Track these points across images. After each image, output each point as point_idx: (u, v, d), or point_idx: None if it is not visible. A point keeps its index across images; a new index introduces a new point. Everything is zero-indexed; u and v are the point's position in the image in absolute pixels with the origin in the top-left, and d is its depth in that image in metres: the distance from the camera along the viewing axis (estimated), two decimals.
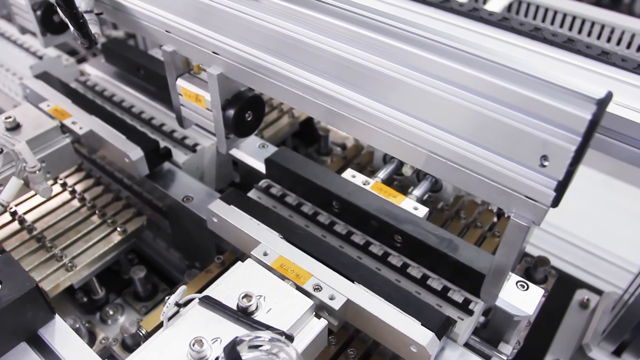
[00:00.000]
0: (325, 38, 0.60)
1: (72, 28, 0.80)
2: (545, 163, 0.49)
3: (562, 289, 1.00)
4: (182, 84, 0.80)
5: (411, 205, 0.81)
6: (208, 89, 0.76)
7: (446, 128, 0.55)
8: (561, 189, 0.49)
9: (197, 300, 0.61)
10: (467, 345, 0.72)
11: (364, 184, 0.85)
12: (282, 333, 0.56)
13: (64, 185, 1.00)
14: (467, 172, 0.55)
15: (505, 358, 0.76)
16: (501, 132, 0.50)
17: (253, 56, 0.68)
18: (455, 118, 0.54)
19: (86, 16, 0.79)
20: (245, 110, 0.77)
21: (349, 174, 0.87)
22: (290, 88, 0.67)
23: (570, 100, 0.46)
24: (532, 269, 0.85)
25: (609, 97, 0.46)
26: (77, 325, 0.88)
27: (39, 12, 0.98)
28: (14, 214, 0.94)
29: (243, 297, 0.60)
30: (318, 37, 0.61)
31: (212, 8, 0.69)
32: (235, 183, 1.10)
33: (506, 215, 0.91)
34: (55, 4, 0.81)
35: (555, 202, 0.51)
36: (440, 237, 0.73)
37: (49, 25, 1.00)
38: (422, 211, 0.80)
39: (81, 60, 1.32)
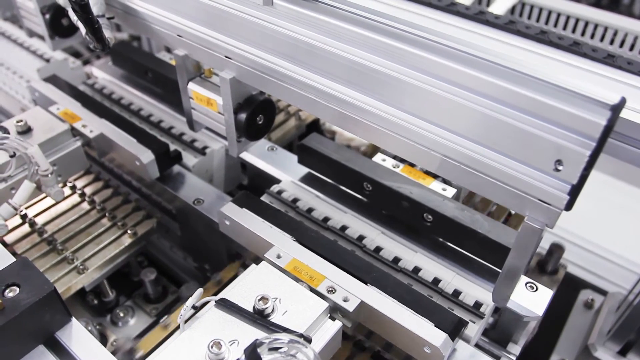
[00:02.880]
0: (338, 42, 0.61)
1: (84, 32, 0.81)
2: (560, 167, 0.50)
3: (566, 290, 1.01)
4: (193, 87, 0.81)
5: (440, 186, 0.85)
6: (220, 92, 0.77)
7: (460, 132, 0.56)
8: (575, 192, 0.50)
9: (213, 302, 0.62)
10: (476, 345, 0.73)
11: (394, 167, 0.88)
12: (300, 335, 0.56)
13: (73, 188, 1.01)
14: (481, 175, 0.56)
15: (514, 358, 0.77)
16: (516, 136, 0.51)
17: (265, 60, 0.69)
18: (468, 122, 0.54)
19: (99, 20, 0.80)
20: (256, 113, 0.78)
21: (379, 157, 0.90)
22: (303, 92, 0.67)
23: (585, 106, 0.47)
24: (547, 254, 0.86)
25: (622, 102, 0.48)
26: (89, 328, 0.89)
27: (47, 16, 0.99)
28: (24, 216, 0.94)
29: (259, 300, 0.61)
30: (331, 41, 0.62)
31: (224, 12, 0.70)
32: (243, 185, 1.11)
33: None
34: (69, 9, 0.83)
35: (569, 206, 0.52)
36: (468, 216, 0.77)
37: (58, 29, 1.01)
38: (450, 192, 0.84)
39: (85, 63, 1.32)
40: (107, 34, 0.82)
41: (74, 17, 0.82)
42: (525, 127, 0.50)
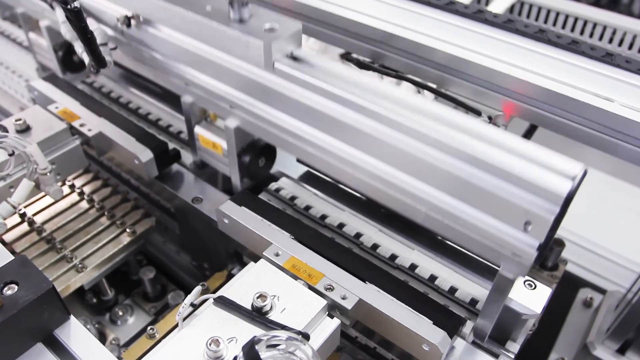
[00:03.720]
0: (332, 103, 0.67)
1: (87, 60, 0.84)
2: (529, 228, 0.55)
3: (565, 288, 1.01)
4: (200, 131, 0.88)
5: None
6: (224, 137, 0.82)
7: (442, 190, 0.61)
8: (542, 249, 0.56)
9: (211, 300, 0.62)
10: (474, 343, 0.73)
11: None
12: (298, 332, 0.56)
13: (72, 186, 1.01)
14: (461, 230, 0.61)
15: (512, 356, 0.77)
16: (491, 198, 0.56)
17: (266, 113, 0.74)
18: (449, 182, 0.60)
19: (100, 48, 0.83)
20: (258, 157, 0.84)
21: None
22: (301, 144, 0.72)
23: (549, 179, 0.52)
24: (548, 250, 0.86)
25: (583, 174, 0.52)
26: (88, 326, 0.89)
27: (60, 53, 1.09)
28: (23, 215, 0.95)
29: (258, 297, 0.61)
30: (327, 102, 0.67)
31: (230, 69, 0.74)
32: None
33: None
34: (75, 43, 0.86)
35: (537, 261, 0.57)
36: None
37: (69, 65, 1.12)
38: None
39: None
40: (107, 58, 0.84)
41: (79, 49, 0.88)
42: (498, 192, 0.55)
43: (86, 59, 0.86)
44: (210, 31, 0.74)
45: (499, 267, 0.62)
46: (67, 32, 0.86)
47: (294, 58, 0.72)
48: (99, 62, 0.82)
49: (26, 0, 1.07)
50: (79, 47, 0.87)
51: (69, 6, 0.71)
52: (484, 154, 0.56)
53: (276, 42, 0.69)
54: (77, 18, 0.74)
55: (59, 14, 0.87)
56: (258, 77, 0.72)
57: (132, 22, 0.86)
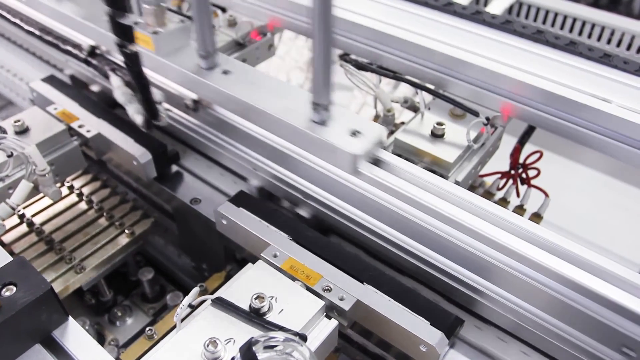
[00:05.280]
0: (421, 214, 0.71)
1: (131, 112, 0.84)
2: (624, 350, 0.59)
3: None
4: None
5: None
6: None
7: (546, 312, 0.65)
8: None
9: (209, 301, 0.62)
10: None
11: None
12: (295, 333, 0.57)
13: (71, 187, 1.01)
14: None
15: None
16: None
17: (348, 211, 0.79)
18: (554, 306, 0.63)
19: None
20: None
21: None
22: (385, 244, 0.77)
23: None
24: None
25: None
26: (86, 327, 0.89)
27: None
28: (22, 216, 0.95)
29: (255, 298, 0.61)
30: (419, 214, 0.71)
31: (303, 164, 0.80)
32: None
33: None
34: (118, 91, 0.86)
35: None
36: None
37: None
38: None
39: None
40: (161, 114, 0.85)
41: (120, 97, 0.88)
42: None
43: (138, 119, 0.85)
44: (291, 131, 0.75)
45: None
46: (122, 95, 0.87)
47: (378, 161, 0.73)
48: (153, 113, 0.81)
49: (77, 65, 1.09)
50: (132, 109, 0.86)
51: (126, 50, 0.71)
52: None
53: (361, 147, 0.70)
54: (133, 62, 0.74)
55: (114, 80, 0.89)
56: (341, 179, 0.75)
57: (199, 106, 0.88)
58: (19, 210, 0.95)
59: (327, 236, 0.80)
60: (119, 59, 0.93)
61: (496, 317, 0.69)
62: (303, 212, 0.84)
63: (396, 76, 0.93)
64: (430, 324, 0.63)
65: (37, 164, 0.79)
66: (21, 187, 0.79)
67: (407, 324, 0.63)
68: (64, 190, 1.00)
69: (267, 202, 0.85)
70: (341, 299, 0.65)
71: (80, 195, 1.00)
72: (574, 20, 1.30)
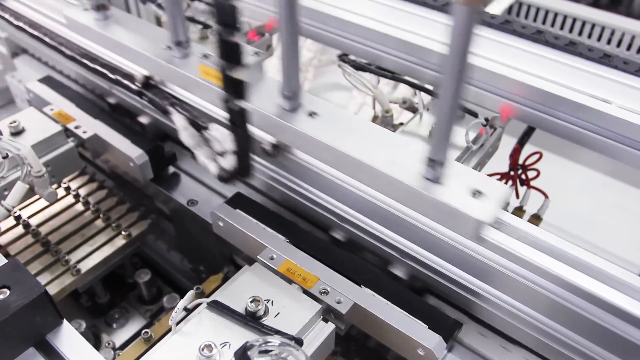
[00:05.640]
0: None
1: (213, 169, 0.72)
2: None
3: None
4: None
5: None
6: None
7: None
8: None
9: (205, 304, 0.62)
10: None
11: None
12: (291, 337, 0.56)
13: (67, 189, 1.00)
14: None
15: None
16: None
17: (467, 281, 0.70)
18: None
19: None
20: None
21: None
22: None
23: None
24: None
25: None
26: (83, 330, 0.88)
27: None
28: (18, 218, 0.94)
29: (251, 302, 0.61)
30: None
31: (409, 224, 0.70)
32: None
33: None
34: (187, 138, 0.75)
35: None
36: None
37: None
38: None
39: None
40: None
41: (188, 140, 0.76)
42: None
43: (212, 168, 0.72)
44: (398, 188, 0.64)
45: None
46: (189, 138, 0.76)
47: (500, 224, 0.64)
48: (246, 171, 0.71)
49: (125, 95, 0.98)
50: (202, 154, 0.74)
51: (232, 106, 0.60)
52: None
53: (486, 212, 0.59)
54: (240, 120, 0.63)
55: (178, 120, 0.78)
56: (459, 245, 0.66)
57: (279, 151, 0.76)
58: (16, 212, 0.94)
59: (421, 296, 0.73)
60: (176, 91, 0.86)
61: (496, 321, 0.68)
62: (397, 271, 0.74)
63: (395, 77, 0.92)
64: (428, 328, 0.63)
65: (33, 165, 0.79)
66: (16, 188, 0.79)
67: (405, 328, 0.62)
68: (61, 192, 0.99)
69: (264, 204, 0.84)
70: (338, 302, 0.65)
71: (77, 196, 0.99)
72: (574, 20, 1.29)
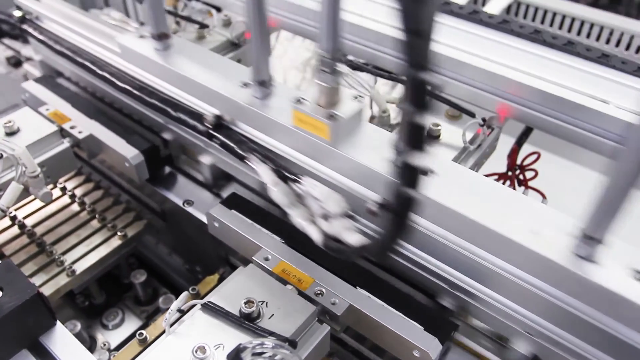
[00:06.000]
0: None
1: (300, 221, 0.65)
2: None
3: None
4: None
5: None
6: None
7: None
8: None
9: (199, 306, 0.61)
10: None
11: None
12: (285, 339, 0.55)
13: (63, 189, 1.00)
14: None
15: None
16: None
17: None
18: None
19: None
20: None
21: None
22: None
23: None
24: None
25: None
26: (78, 330, 0.88)
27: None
28: (13, 218, 0.94)
29: (245, 303, 0.60)
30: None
31: (541, 298, 0.61)
32: None
33: None
34: None
35: None
36: None
37: None
38: None
39: None
40: None
41: (280, 199, 0.67)
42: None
43: (314, 234, 0.63)
44: (543, 265, 0.57)
45: None
46: (282, 196, 0.67)
47: None
48: (384, 257, 0.65)
49: (189, 135, 0.87)
50: (298, 216, 0.66)
51: (402, 192, 0.48)
52: None
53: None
54: (406, 208, 0.49)
55: (266, 175, 0.68)
56: (621, 335, 0.56)
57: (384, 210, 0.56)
58: (11, 212, 0.94)
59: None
60: (253, 134, 0.76)
61: (492, 322, 0.68)
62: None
63: (392, 76, 0.91)
64: (424, 329, 0.62)
65: (27, 165, 0.78)
66: (11, 189, 0.78)
67: (400, 329, 0.62)
68: (57, 192, 0.99)
69: (259, 205, 0.84)
70: (333, 304, 0.64)
71: (72, 196, 0.99)
72: (573, 20, 1.29)
